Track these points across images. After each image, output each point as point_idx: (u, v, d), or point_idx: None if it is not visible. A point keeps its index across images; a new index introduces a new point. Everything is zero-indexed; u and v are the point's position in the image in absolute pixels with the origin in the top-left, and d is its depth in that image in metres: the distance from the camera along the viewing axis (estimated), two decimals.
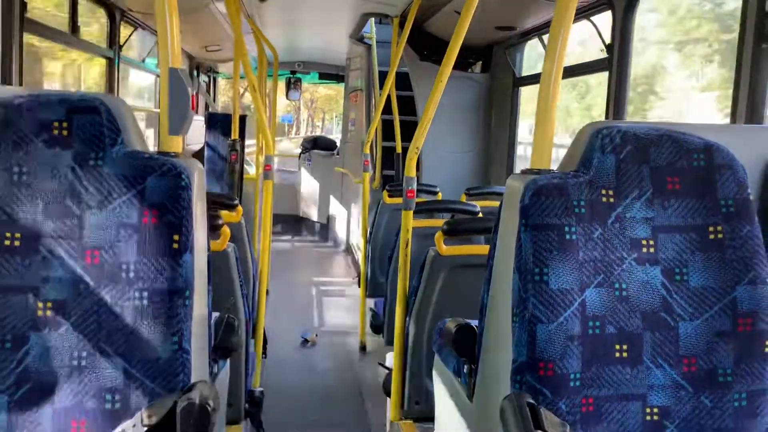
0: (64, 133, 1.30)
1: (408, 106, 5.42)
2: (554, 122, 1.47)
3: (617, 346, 1.34)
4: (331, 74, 8.77)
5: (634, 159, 1.40)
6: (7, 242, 1.26)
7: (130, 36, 4.77)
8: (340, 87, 8.61)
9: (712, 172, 1.40)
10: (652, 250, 1.38)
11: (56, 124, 1.30)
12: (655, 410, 1.35)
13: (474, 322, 1.75)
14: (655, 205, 1.39)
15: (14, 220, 1.27)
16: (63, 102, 1.32)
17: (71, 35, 3.73)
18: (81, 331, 1.26)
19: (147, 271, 1.27)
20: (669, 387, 1.35)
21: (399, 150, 5.10)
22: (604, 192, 1.38)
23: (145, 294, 1.26)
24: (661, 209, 1.39)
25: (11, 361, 1.24)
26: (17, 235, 1.27)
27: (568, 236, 1.33)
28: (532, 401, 1.23)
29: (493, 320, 1.52)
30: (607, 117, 3.33)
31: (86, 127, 1.31)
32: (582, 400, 1.31)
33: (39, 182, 1.28)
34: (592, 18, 3.54)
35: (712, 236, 1.39)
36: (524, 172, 1.47)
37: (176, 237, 1.28)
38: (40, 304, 1.26)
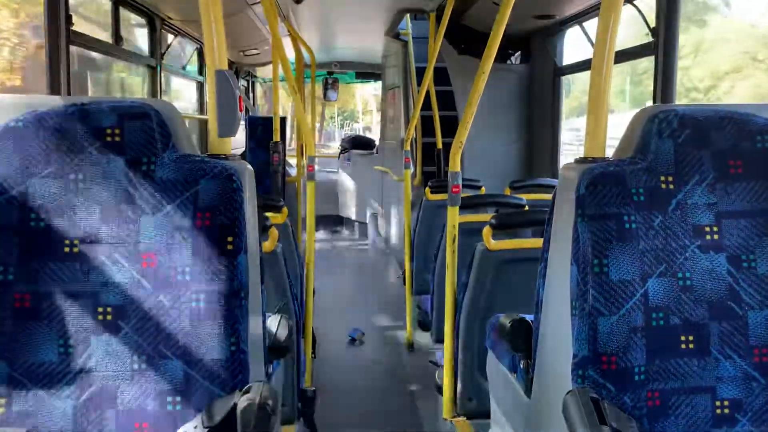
0: (117, 139, 1.32)
1: (446, 101, 5.37)
2: (607, 108, 1.43)
3: (683, 338, 1.30)
4: (368, 73, 8.78)
5: (693, 143, 1.35)
6: (66, 249, 1.29)
7: (170, 44, 4.85)
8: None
9: None
10: (716, 236, 1.33)
11: (108, 131, 1.32)
12: (726, 403, 1.30)
13: (527, 317, 1.72)
14: (718, 190, 1.34)
15: (72, 226, 1.29)
16: (114, 109, 1.34)
17: (115, 45, 3.82)
18: (140, 335, 1.27)
19: (203, 273, 1.27)
20: (739, 378, 1.30)
21: (439, 146, 5.06)
22: (663, 178, 1.33)
23: (202, 296, 1.27)
24: (724, 194, 1.34)
25: (74, 365, 1.27)
26: (75, 241, 1.29)
27: (627, 225, 1.29)
28: (596, 396, 1.20)
29: (551, 314, 1.48)
30: (654, 102, 3.24)
31: (138, 132, 1.33)
32: (647, 394, 1.27)
33: (94, 189, 1.30)
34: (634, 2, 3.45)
35: None
36: (578, 161, 1.43)
37: (230, 239, 1.28)
38: (100, 309, 1.28)
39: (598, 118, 1.43)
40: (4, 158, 1.29)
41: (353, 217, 8.88)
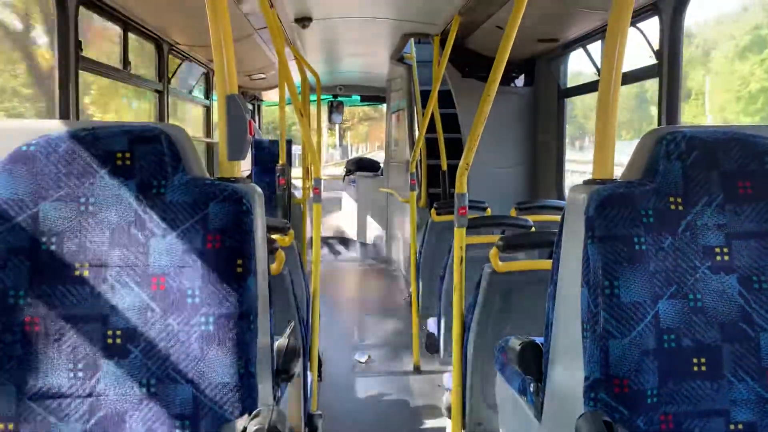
0: (128, 163, 1.33)
1: (450, 124, 5.40)
2: (615, 130, 1.44)
3: (695, 360, 1.29)
4: (373, 96, 8.84)
5: (701, 164, 1.35)
6: (76, 272, 1.29)
7: (177, 69, 4.90)
8: None
9: None
10: (726, 257, 1.32)
11: (119, 154, 1.33)
12: (740, 426, 1.28)
13: (537, 339, 1.71)
14: (727, 211, 1.34)
15: (83, 250, 1.30)
16: (125, 133, 1.35)
17: (123, 70, 3.86)
18: (150, 358, 1.27)
19: (212, 296, 1.27)
20: (753, 401, 1.29)
21: (444, 167, 5.07)
22: (671, 200, 1.33)
23: (211, 319, 1.27)
24: (733, 215, 1.34)
25: (84, 389, 1.26)
26: (85, 264, 1.30)
27: (637, 247, 1.29)
28: (608, 419, 1.19)
29: (561, 336, 1.47)
30: (659, 125, 3.25)
31: (148, 156, 1.34)
32: (660, 417, 1.26)
33: (105, 212, 1.31)
34: (638, 25, 3.48)
35: None
36: (587, 182, 1.43)
37: (240, 261, 1.29)
38: (110, 332, 1.27)
39: (605, 139, 1.44)
40: (16, 182, 1.30)
41: (358, 238, 8.88)
